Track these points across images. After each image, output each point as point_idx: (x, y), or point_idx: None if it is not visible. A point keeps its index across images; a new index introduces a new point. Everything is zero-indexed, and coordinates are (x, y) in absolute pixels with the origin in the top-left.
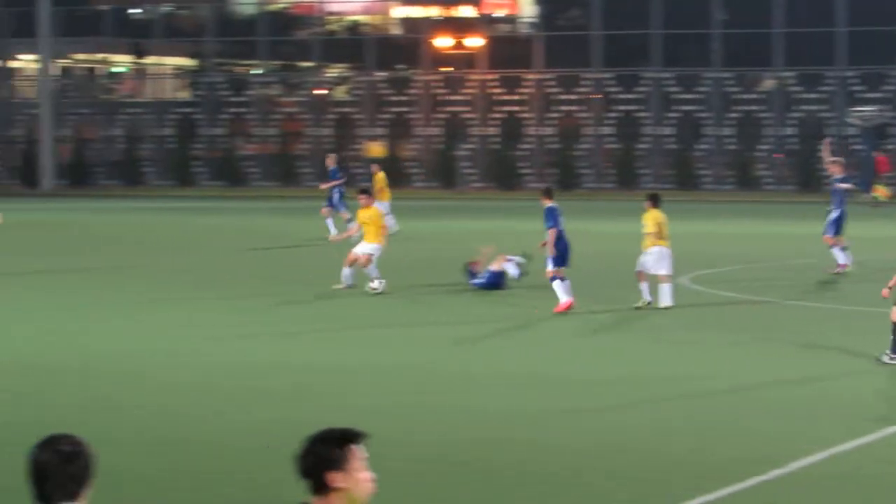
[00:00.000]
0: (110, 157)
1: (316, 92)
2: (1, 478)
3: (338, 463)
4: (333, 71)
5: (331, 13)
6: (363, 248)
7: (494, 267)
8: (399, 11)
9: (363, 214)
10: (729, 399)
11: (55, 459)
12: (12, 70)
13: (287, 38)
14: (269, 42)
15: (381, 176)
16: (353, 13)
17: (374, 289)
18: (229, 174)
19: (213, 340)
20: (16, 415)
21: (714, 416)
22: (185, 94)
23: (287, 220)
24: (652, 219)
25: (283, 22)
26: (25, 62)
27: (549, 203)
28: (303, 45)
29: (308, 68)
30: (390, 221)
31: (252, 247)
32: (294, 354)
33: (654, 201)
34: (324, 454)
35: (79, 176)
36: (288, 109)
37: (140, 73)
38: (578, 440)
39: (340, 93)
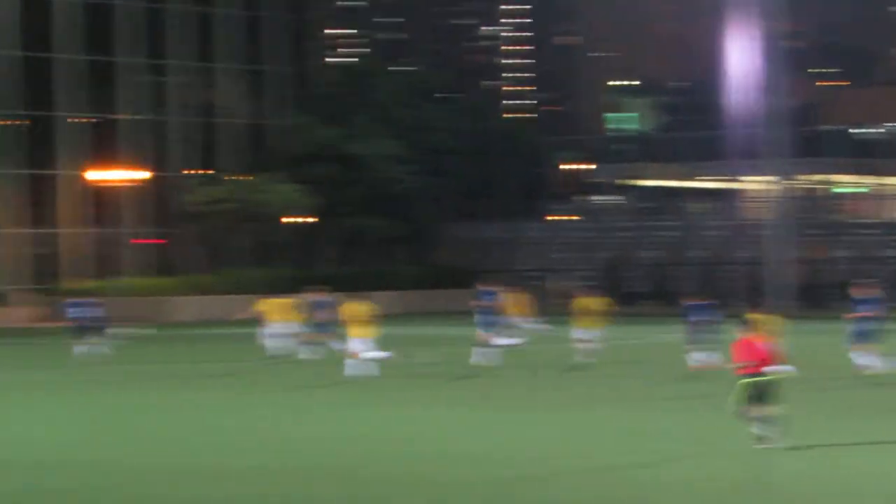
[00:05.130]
0: (837, 278)
1: None
2: None
3: None
4: None
5: None
6: None
7: None
8: None
9: None
10: None
11: None
12: (740, 191)
13: None
14: None
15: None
16: None
17: None
18: None
19: None
20: None
21: None
22: None
23: None
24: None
25: None
26: (752, 183)
27: None
28: None
29: None
30: None
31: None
32: None
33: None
34: None
35: (810, 297)
36: None
37: (869, 192)
38: None
39: None
